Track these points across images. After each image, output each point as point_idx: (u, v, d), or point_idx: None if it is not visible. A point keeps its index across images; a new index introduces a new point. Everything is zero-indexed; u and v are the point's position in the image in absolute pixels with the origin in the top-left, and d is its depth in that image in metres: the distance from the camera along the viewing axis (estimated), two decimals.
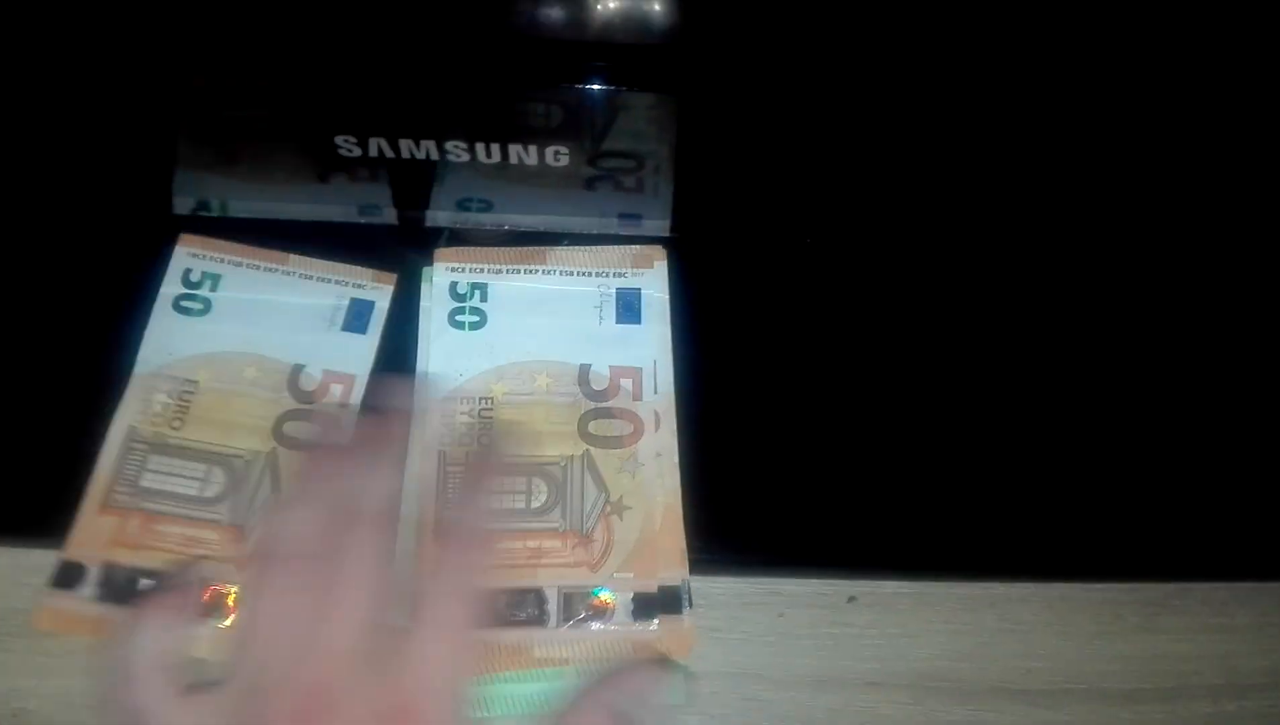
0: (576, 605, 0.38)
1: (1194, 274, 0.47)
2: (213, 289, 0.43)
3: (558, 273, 0.44)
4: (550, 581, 0.38)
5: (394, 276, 0.44)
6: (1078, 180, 0.46)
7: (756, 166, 0.44)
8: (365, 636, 0.30)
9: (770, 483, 0.41)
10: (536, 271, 0.44)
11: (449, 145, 0.40)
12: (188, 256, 0.44)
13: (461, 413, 0.41)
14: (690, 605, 0.38)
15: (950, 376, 0.44)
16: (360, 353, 0.42)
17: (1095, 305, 0.46)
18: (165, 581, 0.37)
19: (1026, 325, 0.45)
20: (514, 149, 0.40)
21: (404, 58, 0.38)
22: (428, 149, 0.40)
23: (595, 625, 0.37)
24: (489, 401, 0.41)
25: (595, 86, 0.38)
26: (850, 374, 0.44)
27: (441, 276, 0.44)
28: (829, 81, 0.41)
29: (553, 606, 0.38)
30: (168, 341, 0.42)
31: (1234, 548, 0.41)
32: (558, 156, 0.41)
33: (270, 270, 0.44)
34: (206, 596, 0.37)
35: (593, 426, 0.41)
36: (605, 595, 0.38)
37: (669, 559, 0.39)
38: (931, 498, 0.41)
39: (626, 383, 0.42)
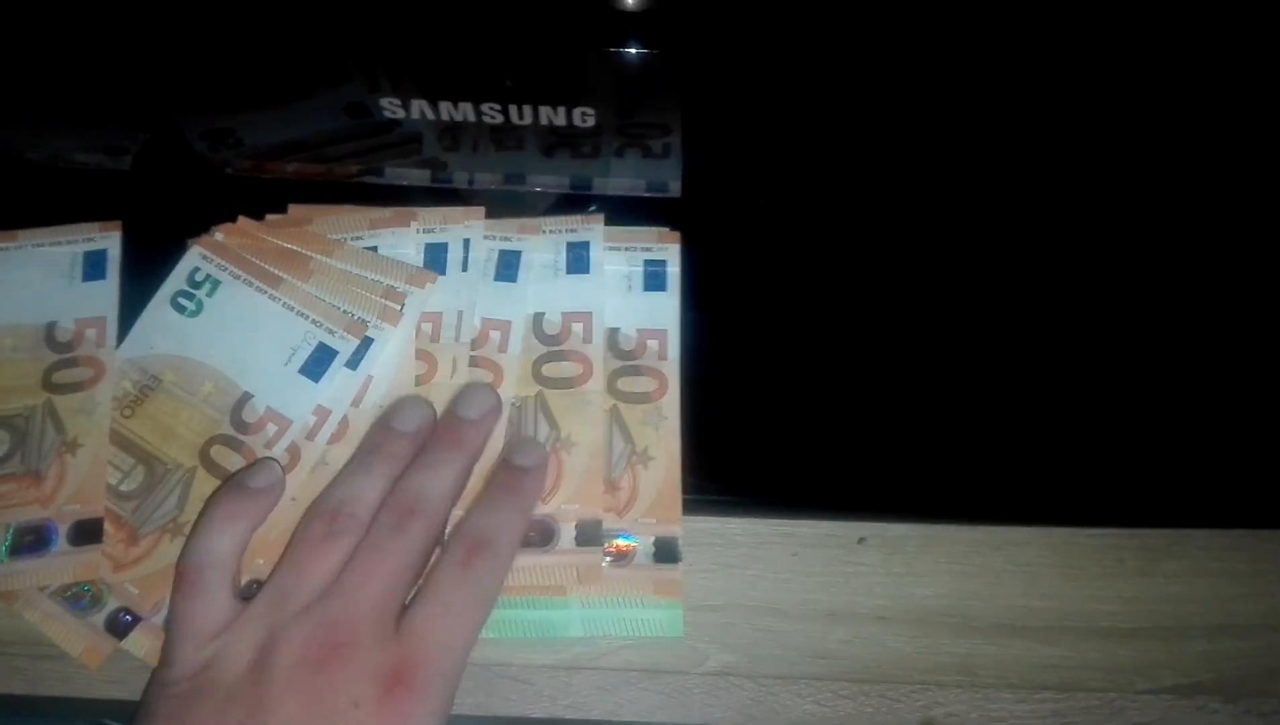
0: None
1: (1195, 224, 0.50)
2: (209, 294, 0.47)
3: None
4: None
5: (362, 329, 0.47)
6: (1091, 136, 0.49)
7: (766, 129, 0.49)
8: (389, 602, 0.37)
9: (785, 431, 0.47)
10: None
11: (484, 107, 0.45)
12: (198, 257, 0.48)
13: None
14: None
15: (960, 328, 0.48)
16: (308, 400, 0.45)
17: (1098, 258, 0.50)
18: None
19: (1033, 277, 0.49)
20: (542, 111, 0.46)
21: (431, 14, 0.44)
22: (465, 110, 0.45)
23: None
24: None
25: (607, 48, 0.42)
26: (862, 327, 0.48)
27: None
28: (839, 41, 0.46)
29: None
30: (153, 333, 0.47)
31: (1233, 496, 0.46)
32: (584, 118, 0.47)
33: (261, 291, 0.47)
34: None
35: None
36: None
37: (668, 512, 0.44)
38: (940, 445, 0.46)
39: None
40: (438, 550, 0.40)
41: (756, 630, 0.44)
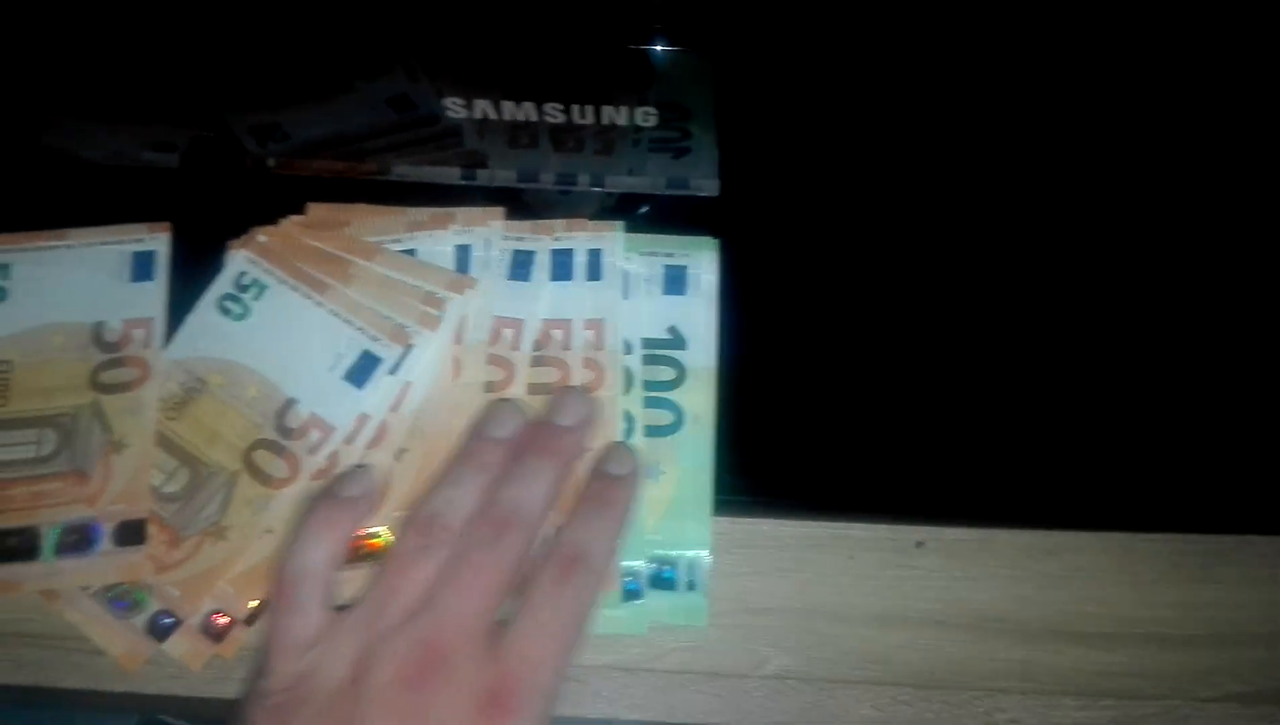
0: None
1: (1250, 222, 0.51)
2: (256, 298, 0.48)
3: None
4: None
5: (406, 336, 0.47)
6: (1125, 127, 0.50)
7: (802, 126, 0.50)
8: (483, 618, 0.37)
9: (842, 435, 0.47)
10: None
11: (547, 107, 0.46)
12: (245, 260, 0.48)
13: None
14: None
15: (1021, 333, 0.49)
16: (351, 407, 0.46)
17: (1156, 258, 0.50)
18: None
19: (1091, 279, 0.50)
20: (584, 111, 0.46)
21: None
22: (527, 110, 0.46)
23: None
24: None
25: (642, 46, 0.43)
26: (921, 331, 0.49)
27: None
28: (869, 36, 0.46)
29: None
30: (200, 336, 0.47)
31: None
32: (646, 117, 0.47)
33: (307, 297, 0.48)
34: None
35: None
36: None
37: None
38: (998, 450, 0.47)
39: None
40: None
41: (813, 634, 0.44)
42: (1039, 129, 0.49)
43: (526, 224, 0.50)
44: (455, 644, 0.37)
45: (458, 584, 0.38)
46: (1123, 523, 0.46)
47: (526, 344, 0.47)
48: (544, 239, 0.49)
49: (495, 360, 0.47)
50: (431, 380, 0.47)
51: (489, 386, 0.46)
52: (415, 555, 0.39)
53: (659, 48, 0.44)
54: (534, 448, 0.42)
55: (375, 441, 0.46)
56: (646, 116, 0.46)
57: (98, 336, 0.48)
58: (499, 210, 0.50)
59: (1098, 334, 0.49)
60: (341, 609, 0.39)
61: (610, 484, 0.42)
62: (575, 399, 0.44)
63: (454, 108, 0.45)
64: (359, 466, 0.44)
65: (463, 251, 0.49)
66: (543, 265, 0.49)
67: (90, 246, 0.50)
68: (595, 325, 0.47)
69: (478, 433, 0.43)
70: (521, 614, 0.38)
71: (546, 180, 0.51)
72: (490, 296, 0.48)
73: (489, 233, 0.49)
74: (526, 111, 0.45)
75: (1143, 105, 0.49)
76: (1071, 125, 0.49)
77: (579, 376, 0.46)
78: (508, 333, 0.47)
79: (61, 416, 0.46)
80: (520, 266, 0.49)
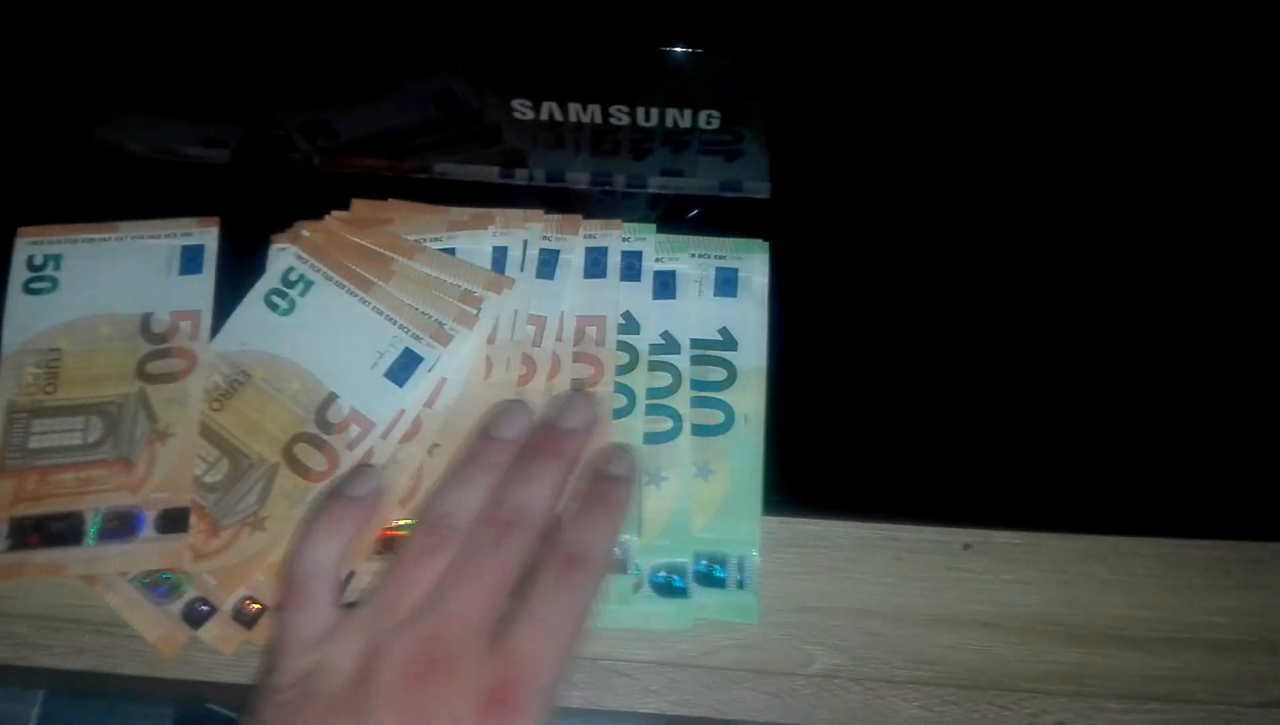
0: None
1: None
2: (302, 294, 0.48)
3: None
4: None
5: (447, 336, 0.47)
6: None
7: (853, 130, 0.49)
8: (487, 616, 0.38)
9: (892, 437, 0.47)
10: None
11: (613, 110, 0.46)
12: (293, 257, 0.49)
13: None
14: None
15: (1070, 338, 0.49)
16: (392, 404, 0.46)
17: (1208, 274, 0.50)
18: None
19: (1137, 286, 0.50)
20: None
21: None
22: (594, 112, 0.46)
23: None
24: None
25: (682, 49, 0.43)
26: (972, 335, 0.49)
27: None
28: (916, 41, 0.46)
29: None
30: (246, 329, 0.48)
31: None
32: (709, 120, 0.46)
33: (352, 294, 0.48)
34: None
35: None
36: None
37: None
38: (1046, 455, 0.47)
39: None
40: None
41: (861, 633, 0.45)
42: (1094, 131, 0.49)
43: (552, 220, 0.50)
44: (460, 642, 0.37)
45: (463, 583, 0.38)
46: (1171, 528, 0.47)
47: (549, 341, 0.48)
48: (568, 238, 0.50)
49: (525, 358, 0.47)
50: (465, 377, 0.47)
51: (519, 383, 0.47)
52: (423, 554, 0.39)
53: (710, 52, 0.44)
54: (540, 449, 0.42)
55: (409, 436, 0.46)
56: (710, 119, 0.46)
57: (146, 327, 0.48)
58: (538, 212, 0.50)
59: (1152, 342, 0.49)
60: (348, 606, 0.40)
61: (610, 485, 0.42)
62: (581, 402, 0.44)
63: (521, 109, 0.46)
64: (365, 466, 0.45)
65: (499, 252, 0.49)
66: (567, 264, 0.49)
67: (140, 239, 0.50)
68: (597, 322, 0.48)
69: (485, 433, 0.43)
70: (523, 612, 0.38)
71: (585, 181, 0.52)
72: (526, 297, 0.48)
73: (526, 234, 0.50)
74: (592, 113, 0.45)
75: (1176, 125, 0.49)
76: (1120, 124, 0.49)
77: (579, 371, 0.47)
78: (530, 329, 0.48)
79: (108, 405, 0.47)
80: (545, 265, 0.49)
